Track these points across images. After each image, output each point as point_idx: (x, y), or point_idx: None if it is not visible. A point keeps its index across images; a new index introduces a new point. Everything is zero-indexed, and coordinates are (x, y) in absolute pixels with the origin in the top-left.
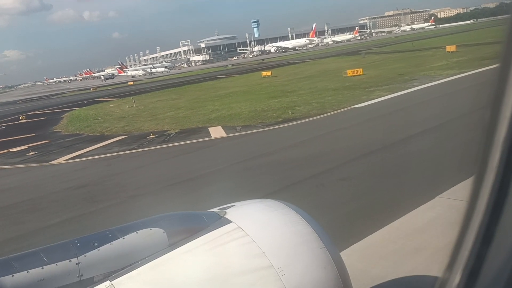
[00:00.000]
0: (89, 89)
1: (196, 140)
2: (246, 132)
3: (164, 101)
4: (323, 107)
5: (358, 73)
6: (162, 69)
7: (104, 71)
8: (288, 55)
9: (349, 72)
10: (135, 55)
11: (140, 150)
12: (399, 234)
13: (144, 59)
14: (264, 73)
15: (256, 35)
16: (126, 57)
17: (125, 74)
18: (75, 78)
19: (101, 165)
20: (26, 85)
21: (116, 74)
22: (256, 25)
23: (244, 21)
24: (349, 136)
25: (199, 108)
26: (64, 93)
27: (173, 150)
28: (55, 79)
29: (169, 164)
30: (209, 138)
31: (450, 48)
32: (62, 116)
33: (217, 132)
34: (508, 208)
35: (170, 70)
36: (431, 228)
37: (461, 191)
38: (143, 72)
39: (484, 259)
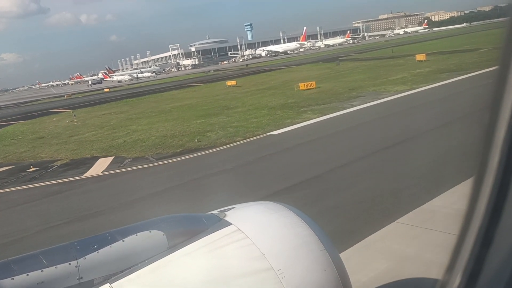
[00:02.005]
0: (66, 95)
1: (64, 180)
2: (126, 169)
3: (107, 115)
4: (236, 133)
5: (311, 87)
6: (149, 74)
7: (98, 74)
8: (272, 60)
9: (302, 86)
10: (127, 58)
11: None
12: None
13: (136, 63)
14: (229, 83)
15: (249, 38)
16: (118, 61)
17: (110, 79)
18: (67, 82)
19: None
20: (22, 88)
21: (102, 79)
22: (249, 29)
23: (241, 24)
24: (222, 184)
25: (123, 128)
26: (39, 100)
27: (23, 195)
28: (48, 83)
29: None
30: (79, 177)
31: (420, 57)
32: None
33: (99, 166)
34: (508, 210)
35: (158, 74)
36: None
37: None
38: (129, 77)
39: (484, 261)
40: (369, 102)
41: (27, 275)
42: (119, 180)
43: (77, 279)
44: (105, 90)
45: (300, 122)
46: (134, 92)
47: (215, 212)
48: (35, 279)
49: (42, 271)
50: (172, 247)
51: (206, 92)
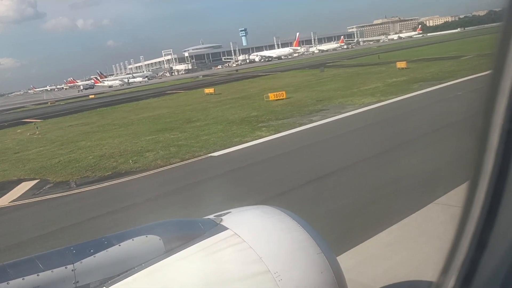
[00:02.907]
0: (50, 102)
1: None
2: (36, 199)
3: (72, 127)
4: (176, 154)
5: (280, 97)
6: (140, 79)
7: (106, 77)
8: (263, 66)
9: (271, 96)
10: (121, 63)
11: None
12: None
13: (130, 68)
14: (207, 90)
15: (244, 43)
16: (113, 66)
17: (101, 84)
18: (61, 87)
19: None
20: (18, 93)
21: (93, 84)
22: (244, 34)
23: (237, 29)
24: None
25: (71, 144)
26: (23, 107)
27: None
28: (42, 88)
29: None
30: None
31: (401, 64)
32: None
33: (14, 193)
34: (502, 213)
35: (150, 79)
36: None
37: None
38: (120, 83)
39: (479, 264)
40: (329, 117)
41: (23, 279)
42: (16, 216)
43: (73, 283)
44: (90, 96)
45: (248, 141)
46: (114, 100)
47: (211, 216)
48: (31, 283)
49: (38, 275)
50: (168, 252)
51: (182, 101)
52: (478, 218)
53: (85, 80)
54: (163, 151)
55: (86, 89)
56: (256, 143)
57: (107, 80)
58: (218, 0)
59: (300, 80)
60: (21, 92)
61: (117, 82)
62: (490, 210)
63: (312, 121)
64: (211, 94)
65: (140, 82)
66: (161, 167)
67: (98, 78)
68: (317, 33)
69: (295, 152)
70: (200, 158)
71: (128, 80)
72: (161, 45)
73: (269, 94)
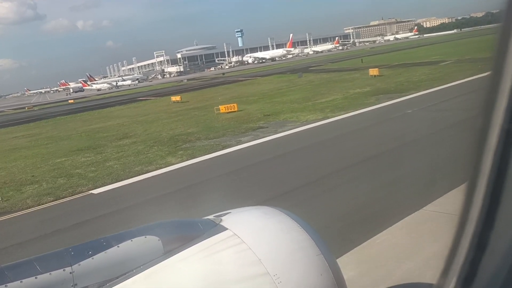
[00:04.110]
0: (27, 107)
1: None
2: None
3: (16, 138)
4: (58, 188)
5: (231, 110)
6: (129, 82)
7: (95, 80)
8: (251, 69)
9: (222, 109)
10: (114, 65)
11: None
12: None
13: (123, 70)
14: (173, 98)
15: (240, 44)
16: (107, 68)
17: (89, 87)
18: (56, 89)
19: None
20: (16, 94)
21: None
22: (240, 35)
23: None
24: None
25: None
26: (2, 111)
27: None
28: (36, 90)
29: None
30: None
31: (373, 71)
32: None
33: None
34: (501, 214)
35: (141, 82)
36: None
37: None
38: (108, 86)
39: (479, 265)
40: (260, 137)
41: (21, 282)
42: None
43: (72, 286)
44: (70, 101)
45: (149, 171)
46: (85, 107)
47: (211, 217)
48: (29, 286)
49: (36, 277)
50: (167, 253)
51: (143, 110)
52: (477, 219)
53: (78, 83)
54: (48, 184)
55: (76, 92)
56: (153, 174)
57: (97, 83)
58: (218, 3)
59: (272, 87)
60: (19, 94)
61: (105, 85)
62: (489, 211)
63: (239, 143)
64: (177, 102)
65: (129, 85)
66: (26, 208)
67: (87, 81)
68: (313, 34)
69: (185, 191)
70: (77, 196)
71: (117, 83)
72: (161, 46)
73: (219, 106)
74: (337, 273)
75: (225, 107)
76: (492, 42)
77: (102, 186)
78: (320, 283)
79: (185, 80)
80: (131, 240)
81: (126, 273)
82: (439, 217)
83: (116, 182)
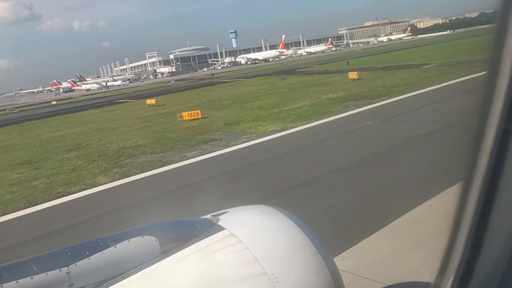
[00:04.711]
0: (8, 109)
1: None
2: None
3: None
4: None
5: (195, 117)
6: (119, 83)
7: (85, 80)
8: (239, 70)
9: (185, 116)
10: (107, 66)
11: None
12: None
13: (116, 70)
14: (149, 102)
15: (234, 45)
16: (100, 68)
17: (79, 88)
18: (49, 89)
19: None
20: (9, 94)
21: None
22: (234, 36)
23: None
24: None
25: None
26: None
27: None
28: (29, 90)
29: None
30: None
31: (352, 75)
32: None
33: None
34: (496, 212)
35: (132, 82)
36: None
37: None
38: (98, 86)
39: (475, 264)
40: (207, 152)
41: (16, 282)
42: None
43: (68, 286)
44: (53, 102)
45: (72, 193)
46: (62, 110)
47: (208, 216)
48: (25, 287)
49: (32, 278)
50: (164, 253)
51: (115, 115)
52: (473, 218)
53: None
54: None
55: (66, 92)
56: (71, 198)
57: (87, 83)
58: (215, 3)
59: (252, 90)
60: (12, 94)
61: (94, 86)
62: (484, 210)
63: (182, 159)
64: (151, 105)
65: (119, 85)
66: None
67: (76, 81)
68: (307, 35)
69: (88, 224)
70: None
71: (106, 83)
72: (157, 47)
73: (183, 113)
74: (335, 272)
75: (188, 114)
76: (481, 43)
77: (5, 214)
78: (318, 283)
79: (173, 81)
80: (128, 240)
81: (123, 273)
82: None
83: (27, 207)
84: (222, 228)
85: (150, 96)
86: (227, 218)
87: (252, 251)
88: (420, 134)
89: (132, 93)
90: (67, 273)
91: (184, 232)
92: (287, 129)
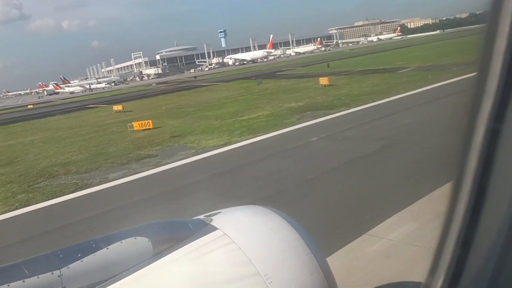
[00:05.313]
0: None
1: None
2: None
3: None
4: None
5: (146, 127)
6: (103, 85)
7: (69, 83)
8: (226, 71)
9: (136, 126)
10: (94, 67)
11: None
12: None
13: (102, 71)
14: (115, 107)
15: (223, 45)
16: (87, 69)
17: (62, 90)
18: (36, 91)
19: None
20: None
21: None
22: (223, 35)
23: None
24: None
25: None
26: None
27: None
28: (15, 92)
29: None
30: None
31: (323, 81)
32: None
33: None
34: (486, 212)
35: (117, 84)
36: None
37: None
38: (81, 89)
39: (465, 263)
40: (133, 173)
41: (8, 286)
42: None
43: None
44: (29, 106)
45: None
46: (30, 115)
47: (201, 217)
48: None
49: (23, 281)
50: (157, 254)
51: (77, 122)
52: (463, 217)
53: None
54: None
55: (50, 94)
56: None
57: (71, 85)
58: (207, 2)
59: (223, 96)
60: (1, 96)
61: (78, 89)
62: (474, 209)
63: (102, 182)
64: (118, 112)
65: (103, 88)
66: None
67: (59, 84)
68: (298, 34)
69: None
70: None
71: (90, 86)
72: (147, 46)
73: (133, 123)
74: (328, 272)
75: (139, 124)
76: (467, 43)
77: None
78: (311, 283)
79: (154, 84)
80: (121, 242)
81: (116, 275)
82: None
83: None
84: (215, 229)
85: (125, 101)
86: (220, 219)
87: (245, 251)
88: (359, 156)
89: (109, 97)
90: (59, 276)
91: (177, 232)
92: (230, 144)
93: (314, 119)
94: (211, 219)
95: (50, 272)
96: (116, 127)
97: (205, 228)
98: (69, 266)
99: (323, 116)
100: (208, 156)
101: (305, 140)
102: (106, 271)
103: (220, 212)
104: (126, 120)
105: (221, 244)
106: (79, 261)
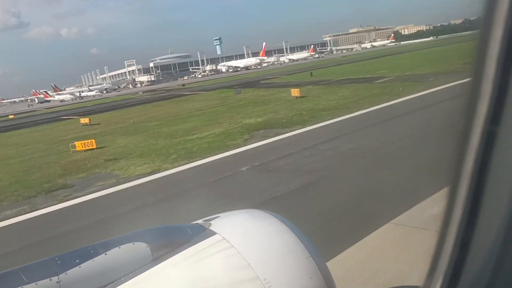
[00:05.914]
0: None
1: None
2: None
3: None
4: None
5: (89, 147)
6: (94, 93)
7: (65, 90)
8: (217, 78)
9: (79, 146)
10: (88, 74)
11: None
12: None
13: (97, 79)
14: (82, 120)
15: (218, 52)
16: (82, 76)
17: (52, 98)
18: (30, 98)
19: None
20: None
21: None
22: (218, 43)
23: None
24: None
25: None
26: None
27: None
28: (10, 100)
29: None
30: None
31: (295, 92)
32: None
33: None
34: (484, 214)
35: (109, 92)
36: None
37: None
38: (71, 97)
39: (463, 265)
40: (32, 211)
41: None
42: None
43: None
44: (10, 116)
45: None
46: (2, 127)
47: (200, 221)
48: None
49: None
50: (156, 259)
51: (41, 136)
52: (460, 219)
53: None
54: None
55: (42, 102)
56: None
57: (59, 94)
58: (205, 10)
59: (196, 107)
60: None
61: (68, 97)
62: (472, 211)
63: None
64: (85, 125)
65: (94, 96)
66: None
67: (48, 92)
68: (292, 42)
69: None
70: None
71: (80, 94)
72: (147, 53)
73: (75, 143)
74: (327, 276)
75: (82, 143)
76: (457, 50)
77: None
78: (310, 286)
79: (140, 93)
80: (119, 247)
81: (114, 281)
82: None
83: None
84: (214, 233)
85: (103, 111)
86: (219, 223)
87: (244, 255)
88: (275, 196)
89: (91, 106)
90: (57, 282)
91: (175, 237)
92: (157, 172)
93: (262, 140)
94: (210, 224)
95: (49, 279)
96: (65, 146)
97: (203, 232)
98: (67, 272)
99: (273, 137)
100: (124, 189)
101: (232, 171)
102: (104, 277)
103: (219, 216)
104: (86, 135)
105: (220, 249)
106: (78, 267)
